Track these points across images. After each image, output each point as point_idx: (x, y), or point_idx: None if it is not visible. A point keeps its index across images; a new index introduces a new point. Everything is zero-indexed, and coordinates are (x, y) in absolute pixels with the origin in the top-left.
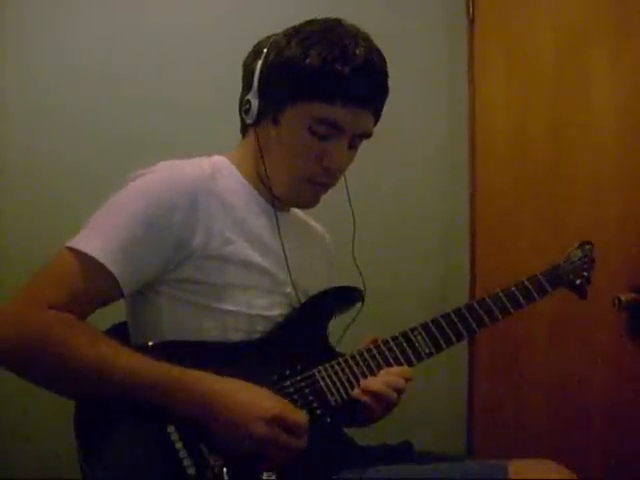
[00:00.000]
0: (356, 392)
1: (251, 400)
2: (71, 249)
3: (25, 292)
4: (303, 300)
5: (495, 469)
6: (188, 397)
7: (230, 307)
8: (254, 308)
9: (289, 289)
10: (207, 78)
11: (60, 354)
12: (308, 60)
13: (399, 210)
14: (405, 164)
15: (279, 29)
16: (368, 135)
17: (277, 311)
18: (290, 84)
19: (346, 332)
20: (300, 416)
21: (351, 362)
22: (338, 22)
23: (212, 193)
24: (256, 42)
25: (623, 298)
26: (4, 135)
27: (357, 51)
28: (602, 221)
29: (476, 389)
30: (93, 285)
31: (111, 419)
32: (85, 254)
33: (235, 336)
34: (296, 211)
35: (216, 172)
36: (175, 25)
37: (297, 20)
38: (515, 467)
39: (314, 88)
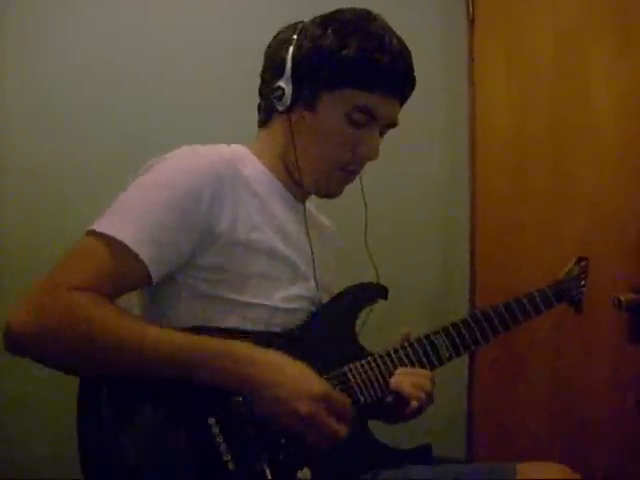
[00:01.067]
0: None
1: (299, 376)
2: (99, 234)
3: (49, 277)
4: (323, 294)
5: (504, 470)
6: (233, 366)
7: (250, 299)
8: (273, 300)
9: (312, 282)
10: (210, 78)
11: (88, 332)
12: (347, 50)
13: (399, 210)
14: (405, 165)
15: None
16: (394, 125)
17: (296, 304)
18: (329, 72)
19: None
20: (346, 399)
21: (379, 361)
22: (367, 12)
23: (236, 177)
24: (269, 35)
25: (623, 298)
26: (6, 135)
27: (393, 41)
28: (602, 221)
29: (476, 390)
30: (121, 270)
31: (146, 409)
32: (114, 238)
33: (253, 328)
34: (310, 205)
35: (236, 159)
36: (178, 25)
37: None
38: (522, 467)
39: (354, 76)
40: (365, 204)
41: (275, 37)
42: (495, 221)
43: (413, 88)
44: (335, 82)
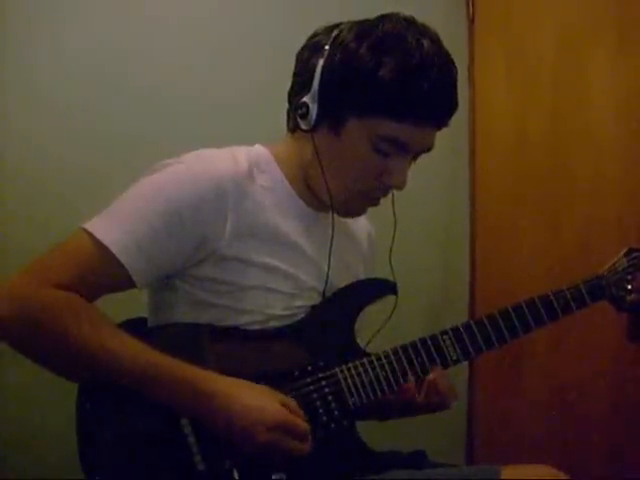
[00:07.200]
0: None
1: (254, 405)
2: (88, 233)
3: (33, 268)
4: None
5: (487, 471)
6: (191, 395)
7: (248, 307)
8: (273, 310)
9: (320, 295)
10: (210, 78)
11: (62, 336)
12: (381, 72)
13: (398, 213)
14: None
15: (281, 27)
16: (430, 149)
17: (299, 310)
18: (359, 96)
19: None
20: (303, 422)
21: (376, 364)
22: (412, 22)
23: (244, 191)
24: (310, 34)
25: None
26: (3, 135)
27: (435, 60)
28: (602, 221)
29: (476, 393)
30: (104, 273)
31: (122, 406)
32: (100, 242)
33: (248, 328)
34: None
35: (253, 167)
36: (177, 24)
37: (301, 20)
38: (508, 469)
39: (385, 105)
40: (394, 215)
41: (311, 38)
42: (495, 222)
43: (453, 113)
44: (365, 108)
